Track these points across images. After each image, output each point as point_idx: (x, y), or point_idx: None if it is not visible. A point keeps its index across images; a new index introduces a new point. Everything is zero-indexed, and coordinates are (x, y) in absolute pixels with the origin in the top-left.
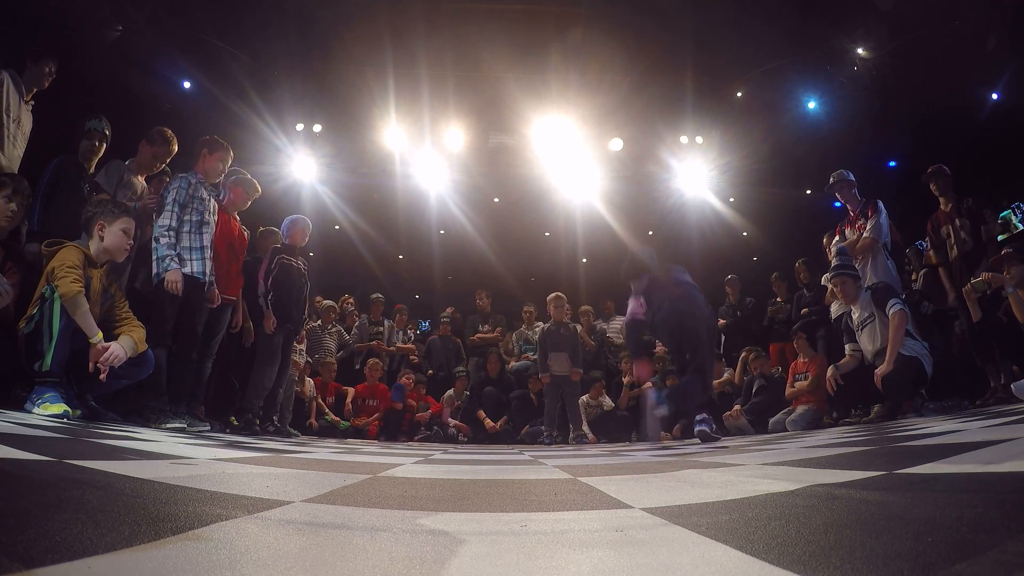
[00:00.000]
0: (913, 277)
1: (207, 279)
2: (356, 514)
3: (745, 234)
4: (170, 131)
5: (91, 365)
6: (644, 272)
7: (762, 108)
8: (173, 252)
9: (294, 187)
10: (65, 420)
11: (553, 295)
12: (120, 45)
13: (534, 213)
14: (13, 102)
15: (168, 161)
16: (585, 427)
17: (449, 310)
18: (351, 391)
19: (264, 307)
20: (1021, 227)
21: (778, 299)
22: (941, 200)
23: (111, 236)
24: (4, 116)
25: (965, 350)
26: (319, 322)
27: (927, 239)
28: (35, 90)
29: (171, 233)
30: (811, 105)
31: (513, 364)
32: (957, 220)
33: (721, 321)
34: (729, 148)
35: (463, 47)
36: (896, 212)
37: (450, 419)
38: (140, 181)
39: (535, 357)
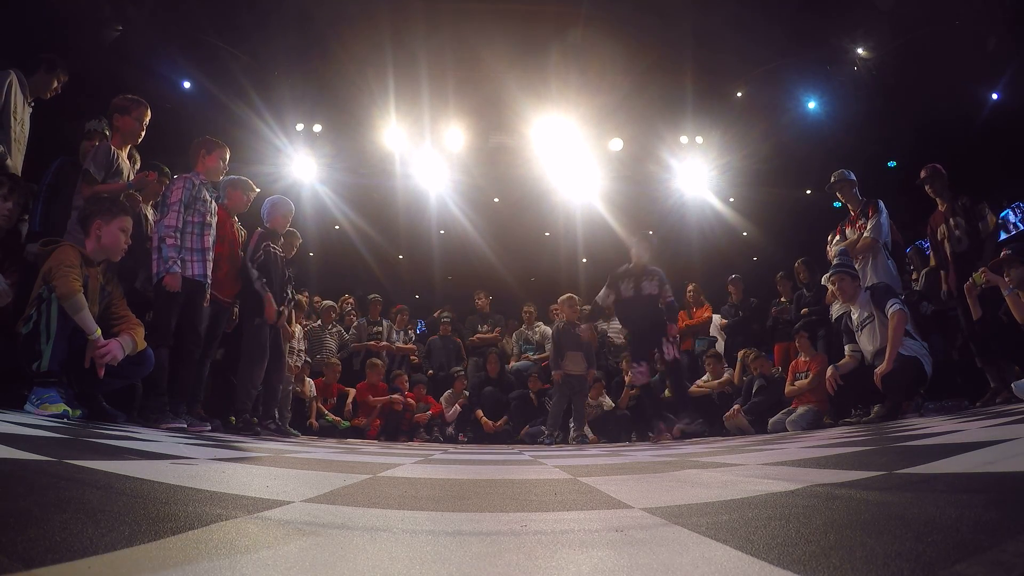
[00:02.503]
0: (914, 277)
1: (207, 281)
2: (356, 514)
3: (745, 234)
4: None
5: (87, 360)
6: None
7: (762, 108)
8: (177, 255)
9: (294, 187)
10: (65, 420)
11: (566, 296)
12: (120, 45)
13: (534, 213)
14: (19, 104)
15: (147, 121)
16: (585, 427)
17: (448, 315)
18: (352, 391)
19: (263, 292)
20: (1022, 227)
21: (781, 299)
22: (938, 201)
23: (108, 235)
24: (10, 118)
25: (965, 350)
26: (319, 322)
27: (928, 241)
28: (36, 96)
29: (176, 234)
30: (811, 105)
31: (513, 364)
32: (952, 220)
33: (723, 321)
34: (729, 148)
35: (463, 47)
36: (896, 212)
37: (448, 415)
38: (125, 161)
39: (535, 357)
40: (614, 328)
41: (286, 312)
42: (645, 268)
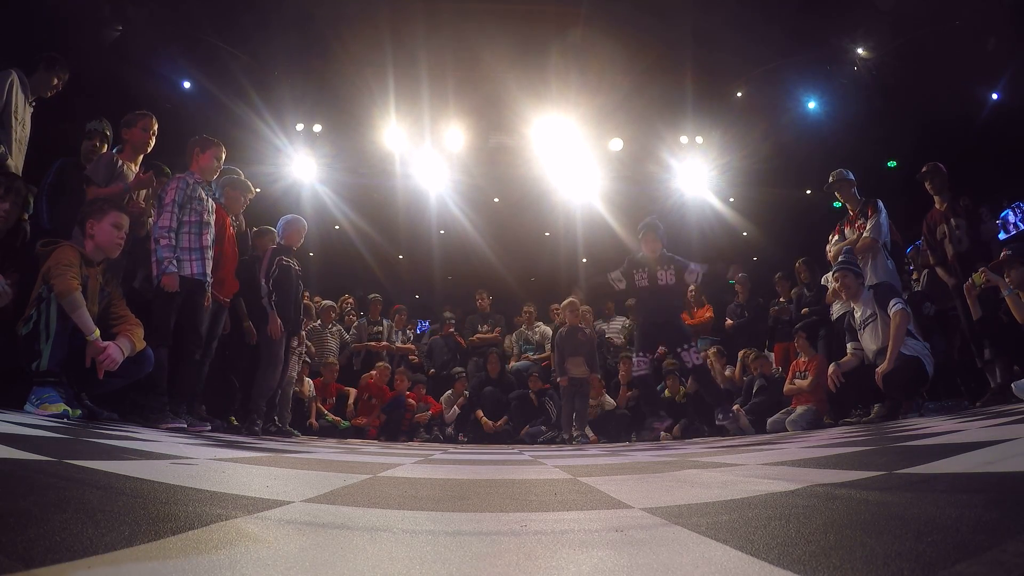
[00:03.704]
0: (915, 277)
1: (207, 280)
2: (356, 514)
3: (745, 234)
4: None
5: (87, 361)
6: None
7: (762, 108)
8: (172, 254)
9: (294, 187)
10: (65, 420)
11: (568, 300)
12: (120, 45)
13: (534, 213)
14: (20, 103)
15: (156, 131)
16: (586, 427)
17: (452, 316)
18: (352, 391)
19: (268, 309)
20: (1022, 227)
21: (780, 299)
22: (936, 199)
23: (101, 232)
24: (11, 118)
25: (965, 350)
26: (319, 322)
27: (923, 239)
28: (37, 96)
29: (171, 234)
30: (811, 105)
31: (513, 364)
32: (952, 220)
33: (729, 321)
34: (729, 148)
35: (463, 47)
36: (896, 212)
37: (447, 416)
38: (133, 169)
39: (535, 357)
40: (613, 328)
41: (302, 336)
42: (660, 258)
